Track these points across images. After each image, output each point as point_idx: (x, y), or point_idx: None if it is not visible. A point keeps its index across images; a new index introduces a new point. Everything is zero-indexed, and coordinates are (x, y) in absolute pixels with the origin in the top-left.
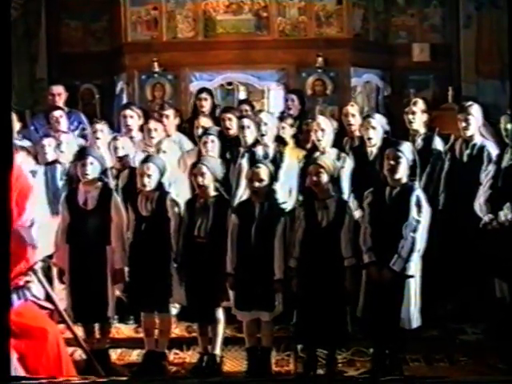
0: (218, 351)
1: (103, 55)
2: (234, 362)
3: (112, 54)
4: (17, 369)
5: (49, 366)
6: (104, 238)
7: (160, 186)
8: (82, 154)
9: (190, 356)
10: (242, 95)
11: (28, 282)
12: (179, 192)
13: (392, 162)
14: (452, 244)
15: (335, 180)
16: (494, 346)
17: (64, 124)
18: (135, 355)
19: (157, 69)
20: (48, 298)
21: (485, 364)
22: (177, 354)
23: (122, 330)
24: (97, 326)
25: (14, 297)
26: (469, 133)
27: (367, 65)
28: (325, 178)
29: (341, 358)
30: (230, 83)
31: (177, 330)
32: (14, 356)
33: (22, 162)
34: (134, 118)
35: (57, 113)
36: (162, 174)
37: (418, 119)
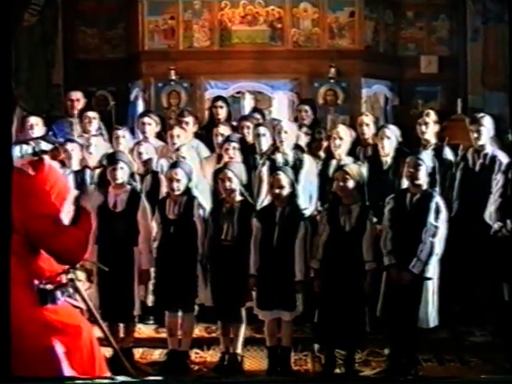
0: (239, 350)
1: (118, 62)
2: (254, 361)
3: (128, 61)
4: (63, 362)
5: (82, 362)
6: (132, 240)
7: (188, 190)
8: (112, 159)
9: (211, 355)
10: (249, 103)
11: (70, 280)
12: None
13: (412, 170)
14: (463, 250)
15: (360, 187)
16: (501, 347)
17: (95, 126)
18: (157, 354)
19: (173, 77)
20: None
21: (493, 364)
22: (198, 353)
23: (143, 329)
24: (121, 325)
25: (58, 293)
26: (480, 143)
27: (377, 76)
28: (351, 183)
29: (357, 358)
30: (238, 92)
31: (197, 331)
32: (61, 350)
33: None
34: (151, 125)
35: (91, 113)
36: (189, 178)
37: (430, 130)
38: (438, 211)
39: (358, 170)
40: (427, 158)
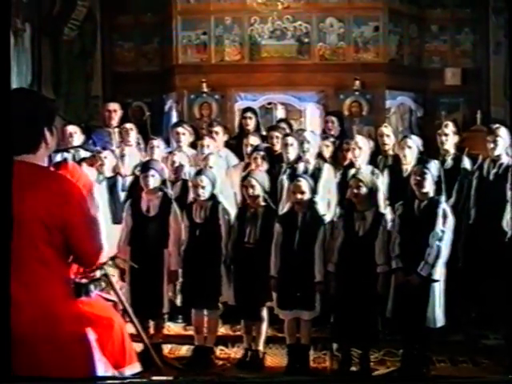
0: (261, 347)
1: (154, 75)
2: (275, 359)
3: (163, 74)
4: (95, 349)
5: (114, 352)
6: (162, 242)
7: (213, 196)
8: (145, 167)
9: (235, 352)
10: (281, 114)
11: (104, 275)
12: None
13: (418, 178)
14: (480, 256)
15: (373, 194)
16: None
17: (133, 136)
18: (184, 350)
19: (205, 89)
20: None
21: (504, 366)
22: (222, 350)
23: (172, 327)
24: (151, 322)
25: (92, 287)
26: (496, 153)
27: (401, 88)
28: (364, 190)
29: (373, 357)
30: (269, 103)
31: (222, 329)
32: (93, 337)
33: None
34: (185, 135)
35: (128, 125)
36: (213, 185)
37: (450, 140)
38: (444, 217)
39: (371, 177)
40: (434, 167)
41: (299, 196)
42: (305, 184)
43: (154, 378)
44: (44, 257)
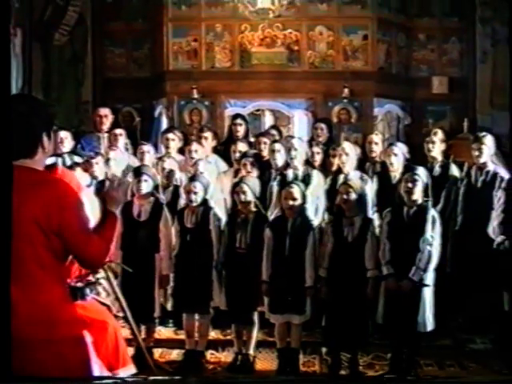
0: (251, 351)
1: (144, 81)
2: (265, 362)
3: (153, 80)
4: (91, 351)
5: (107, 354)
6: (154, 247)
7: (205, 201)
8: (137, 172)
9: (225, 356)
10: (269, 121)
11: (99, 278)
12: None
13: (409, 185)
14: (467, 262)
15: (362, 200)
16: (500, 354)
17: (122, 142)
18: (175, 354)
19: (195, 95)
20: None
21: (491, 369)
22: (213, 354)
23: (163, 332)
24: (142, 326)
25: (87, 291)
26: (481, 160)
27: (389, 96)
28: (353, 196)
29: (362, 361)
30: (257, 109)
31: (213, 333)
32: (89, 340)
33: (79, 176)
34: (175, 140)
35: (118, 130)
36: (206, 191)
37: (437, 148)
38: (433, 223)
39: (360, 183)
40: (423, 174)
41: (291, 202)
42: (297, 190)
43: (151, 377)
44: (42, 260)
